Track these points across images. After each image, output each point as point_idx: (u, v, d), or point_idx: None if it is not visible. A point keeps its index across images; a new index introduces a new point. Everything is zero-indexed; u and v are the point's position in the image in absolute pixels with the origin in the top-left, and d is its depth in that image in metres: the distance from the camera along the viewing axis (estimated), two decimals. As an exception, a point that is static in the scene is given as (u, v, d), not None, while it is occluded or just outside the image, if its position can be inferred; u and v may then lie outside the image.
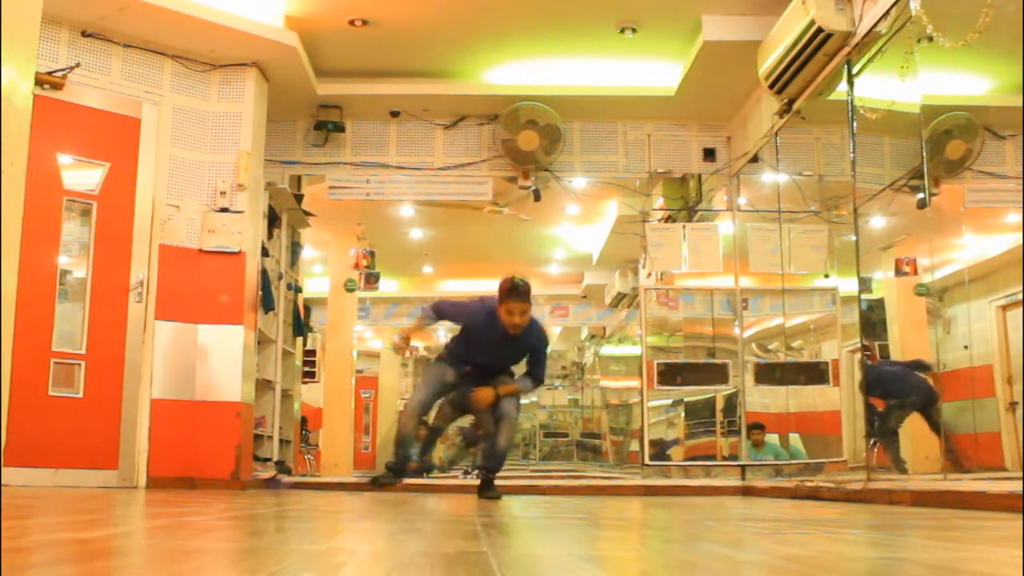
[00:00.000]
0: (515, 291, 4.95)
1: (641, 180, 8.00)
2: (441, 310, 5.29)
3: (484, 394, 5.11)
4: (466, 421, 8.57)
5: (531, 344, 5.18)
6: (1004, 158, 7.11)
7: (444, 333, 13.37)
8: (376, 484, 5.43)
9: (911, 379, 7.22)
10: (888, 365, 7.75)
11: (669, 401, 9.09)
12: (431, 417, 5.81)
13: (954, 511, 3.68)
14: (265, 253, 7.18)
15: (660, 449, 8.78)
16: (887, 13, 5.16)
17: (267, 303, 7.24)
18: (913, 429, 7.20)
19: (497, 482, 5.20)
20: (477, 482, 5.39)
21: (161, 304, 6.19)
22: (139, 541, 2.12)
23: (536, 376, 5.22)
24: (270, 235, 7.59)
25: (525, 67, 7.33)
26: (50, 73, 5.83)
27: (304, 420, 10.60)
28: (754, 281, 7.96)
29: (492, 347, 5.10)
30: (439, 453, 12.00)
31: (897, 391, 7.25)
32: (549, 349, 5.54)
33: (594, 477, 9.23)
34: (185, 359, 6.24)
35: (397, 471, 5.28)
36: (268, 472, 7.08)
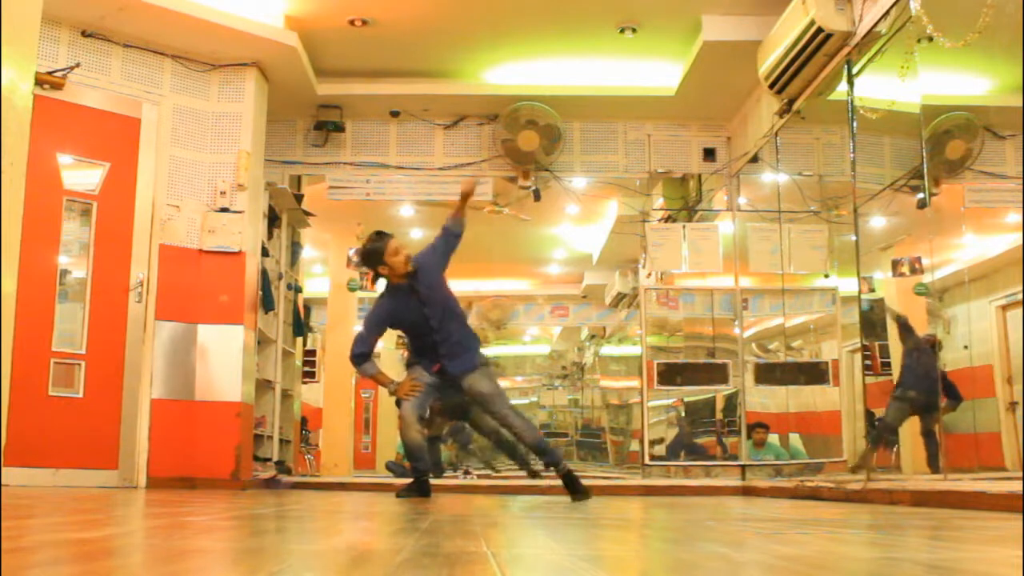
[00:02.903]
0: (379, 236, 4.84)
1: (641, 180, 8.00)
2: (362, 337, 5.06)
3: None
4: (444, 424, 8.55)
5: (430, 265, 4.99)
6: (1004, 158, 7.10)
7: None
8: (403, 496, 5.01)
9: (932, 373, 6.99)
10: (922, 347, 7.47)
11: (669, 401, 9.09)
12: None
13: (954, 511, 3.68)
14: (265, 253, 7.18)
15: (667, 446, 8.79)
16: (887, 13, 5.16)
17: (267, 303, 7.24)
18: (915, 428, 7.19)
19: (504, 482, 5.14)
20: (477, 482, 5.35)
21: (161, 304, 6.19)
22: (139, 541, 2.12)
23: (446, 233, 5.08)
24: (270, 235, 7.59)
25: (525, 67, 7.33)
26: (50, 73, 5.83)
27: (304, 420, 10.60)
28: (754, 281, 7.96)
29: (417, 308, 4.91)
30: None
31: (910, 380, 7.08)
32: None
33: (594, 477, 9.21)
34: (185, 359, 6.24)
35: (421, 484, 5.03)
36: (268, 472, 7.08)
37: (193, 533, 2.37)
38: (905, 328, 7.36)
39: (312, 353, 10.93)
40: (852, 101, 5.69)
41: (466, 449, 11.19)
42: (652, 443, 7.77)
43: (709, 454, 8.92)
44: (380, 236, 4.87)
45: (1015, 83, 6.52)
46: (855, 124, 5.73)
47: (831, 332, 7.69)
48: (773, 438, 8.16)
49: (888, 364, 7.78)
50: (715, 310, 8.09)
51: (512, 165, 7.72)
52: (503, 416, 4.99)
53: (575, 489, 4.85)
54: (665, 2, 6.34)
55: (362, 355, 5.00)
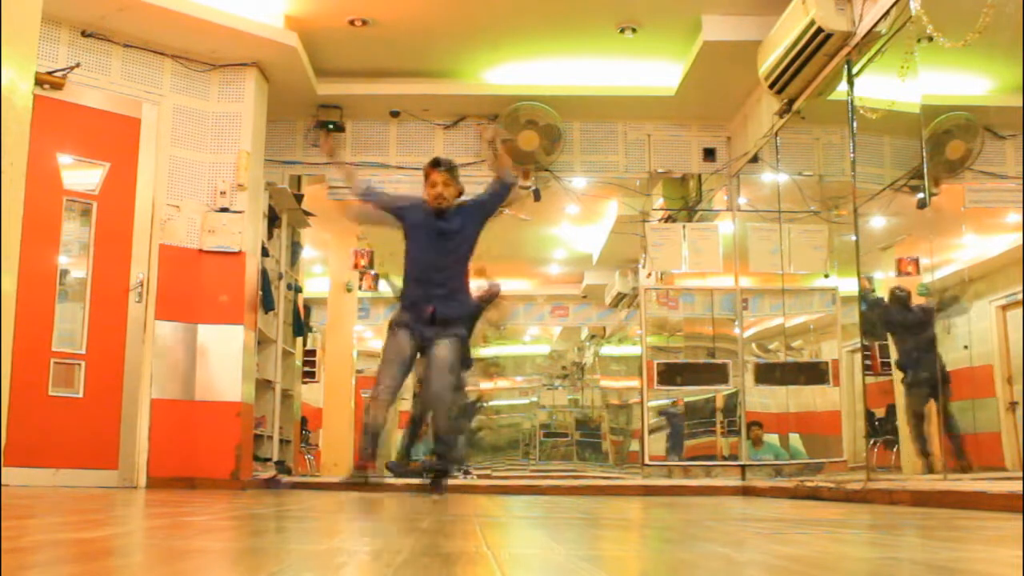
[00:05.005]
0: (433, 163, 4.83)
1: (641, 180, 8.01)
2: (375, 193, 5.06)
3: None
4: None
5: (471, 209, 4.95)
6: (1004, 158, 7.10)
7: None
8: (349, 483, 4.96)
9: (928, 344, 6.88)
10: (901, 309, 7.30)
11: (669, 401, 9.09)
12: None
13: (954, 511, 3.68)
14: (265, 253, 7.19)
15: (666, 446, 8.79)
16: (887, 13, 5.16)
17: (267, 303, 7.24)
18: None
19: (504, 481, 5.09)
20: (477, 482, 5.33)
21: (161, 304, 6.19)
22: (139, 541, 2.12)
23: (498, 185, 5.04)
24: (270, 235, 7.59)
25: (525, 67, 7.33)
26: (50, 73, 5.83)
27: (304, 420, 10.60)
28: (754, 281, 7.96)
29: (431, 236, 4.83)
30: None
31: (915, 361, 6.98)
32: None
33: (594, 477, 9.22)
34: (185, 359, 6.24)
35: (361, 469, 4.82)
36: (268, 472, 7.09)
37: (193, 533, 2.37)
38: (895, 300, 7.19)
39: (312, 353, 10.93)
40: (852, 101, 5.69)
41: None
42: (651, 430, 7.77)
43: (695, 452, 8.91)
44: (452, 166, 4.90)
45: (1015, 83, 6.51)
46: (855, 124, 5.73)
47: (831, 332, 7.70)
48: (772, 438, 8.17)
49: (888, 364, 7.77)
50: (715, 310, 8.09)
51: (512, 165, 7.71)
52: (438, 393, 4.76)
53: (438, 486, 4.82)
54: (665, 2, 6.34)
55: (364, 194, 5.03)
